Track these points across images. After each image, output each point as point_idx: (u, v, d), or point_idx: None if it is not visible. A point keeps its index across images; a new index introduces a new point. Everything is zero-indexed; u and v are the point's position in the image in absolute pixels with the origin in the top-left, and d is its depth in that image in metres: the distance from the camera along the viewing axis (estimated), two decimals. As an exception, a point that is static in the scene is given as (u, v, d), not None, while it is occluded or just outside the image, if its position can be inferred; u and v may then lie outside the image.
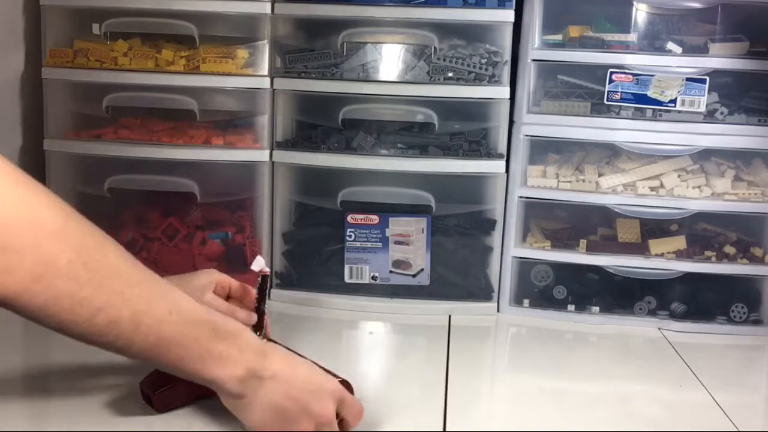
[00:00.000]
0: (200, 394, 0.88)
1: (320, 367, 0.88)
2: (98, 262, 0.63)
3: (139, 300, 0.65)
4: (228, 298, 0.97)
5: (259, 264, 0.92)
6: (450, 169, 1.28)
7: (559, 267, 1.31)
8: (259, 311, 0.93)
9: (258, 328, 0.93)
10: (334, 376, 0.86)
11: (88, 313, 0.63)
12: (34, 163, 1.33)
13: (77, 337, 0.65)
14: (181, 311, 0.69)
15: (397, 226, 1.30)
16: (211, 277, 0.95)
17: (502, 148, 1.29)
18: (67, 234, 0.62)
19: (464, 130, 1.29)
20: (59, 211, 0.63)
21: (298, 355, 0.85)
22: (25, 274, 0.60)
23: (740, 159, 1.29)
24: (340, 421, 0.79)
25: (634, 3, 1.25)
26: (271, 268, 1.33)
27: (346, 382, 0.86)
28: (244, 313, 0.94)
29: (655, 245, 1.28)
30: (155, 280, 0.69)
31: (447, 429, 0.87)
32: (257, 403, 0.73)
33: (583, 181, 1.28)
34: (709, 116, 1.25)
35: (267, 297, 0.94)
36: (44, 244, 0.60)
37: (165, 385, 0.86)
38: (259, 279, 0.92)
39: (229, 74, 1.28)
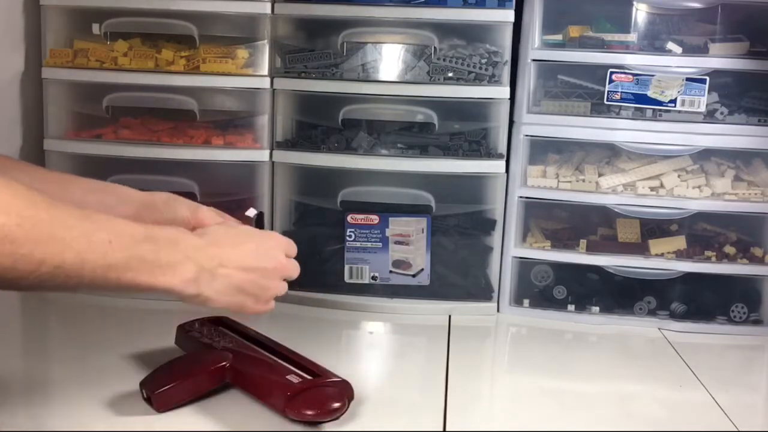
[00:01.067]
0: (200, 394, 0.88)
1: (319, 367, 0.88)
2: (30, 219, 0.65)
3: (78, 240, 0.68)
4: None
5: (252, 212, 0.97)
6: (450, 169, 1.28)
7: (559, 267, 1.31)
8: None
9: None
10: (334, 376, 0.86)
11: (31, 266, 0.65)
12: (34, 163, 1.32)
13: (27, 289, 0.68)
14: (120, 236, 0.72)
15: (397, 226, 1.30)
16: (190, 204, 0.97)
17: (502, 148, 1.29)
18: None
19: (464, 130, 1.29)
20: None
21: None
22: None
23: (740, 159, 1.29)
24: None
25: (634, 3, 1.25)
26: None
27: (346, 382, 0.87)
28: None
29: (655, 245, 1.28)
30: (89, 214, 0.71)
31: (447, 429, 0.87)
32: (218, 292, 0.79)
33: (583, 181, 1.28)
34: (709, 116, 1.25)
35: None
36: None
37: (165, 385, 0.86)
38: (255, 218, 0.96)
39: (229, 74, 1.28)
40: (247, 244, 0.83)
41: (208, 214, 0.94)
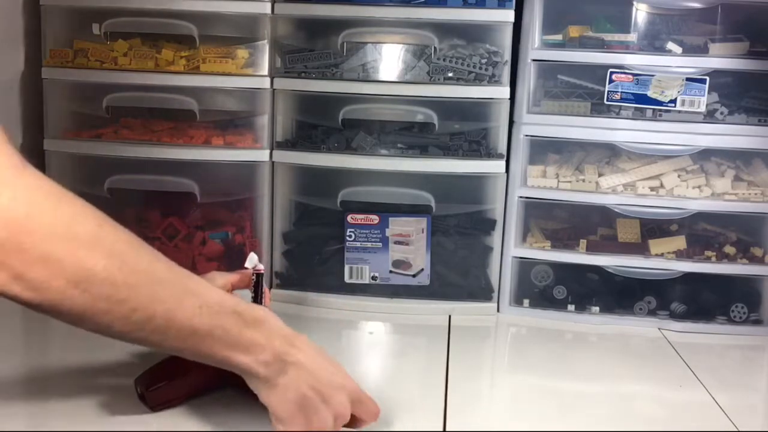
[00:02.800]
0: (195, 393, 0.88)
1: None
2: (131, 265, 0.67)
3: (170, 298, 0.69)
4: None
5: (252, 261, 0.92)
6: (450, 169, 1.28)
7: (559, 267, 1.31)
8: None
9: None
10: None
11: (123, 313, 0.67)
12: (34, 163, 1.31)
13: (114, 336, 0.69)
14: (210, 304, 0.72)
15: (397, 226, 1.30)
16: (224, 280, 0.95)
17: (502, 148, 1.29)
18: (101, 240, 0.67)
19: (464, 130, 1.29)
20: (92, 218, 0.68)
21: None
22: (64, 282, 0.64)
23: (740, 159, 1.29)
24: (353, 419, 0.80)
25: (634, 3, 1.25)
26: (271, 268, 1.33)
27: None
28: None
29: (655, 245, 1.28)
30: (185, 275, 0.73)
31: (447, 429, 0.87)
32: (280, 386, 0.76)
33: (583, 181, 1.28)
34: (709, 116, 1.25)
35: (262, 296, 0.93)
36: (80, 252, 0.65)
37: (159, 383, 0.85)
38: (254, 277, 0.92)
39: (229, 74, 1.28)
40: (329, 368, 0.78)
41: None
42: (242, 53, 1.29)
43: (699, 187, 1.26)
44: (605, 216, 1.30)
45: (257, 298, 0.93)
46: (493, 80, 1.27)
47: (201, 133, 1.30)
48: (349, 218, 1.29)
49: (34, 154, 1.33)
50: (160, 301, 0.69)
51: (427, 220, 1.30)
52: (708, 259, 1.27)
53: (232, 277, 0.96)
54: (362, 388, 0.81)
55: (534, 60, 1.27)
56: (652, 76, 1.24)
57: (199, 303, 0.71)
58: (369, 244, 1.30)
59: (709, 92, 1.24)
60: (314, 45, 1.29)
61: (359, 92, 1.27)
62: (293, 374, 0.76)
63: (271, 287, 1.31)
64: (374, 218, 1.29)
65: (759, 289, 1.28)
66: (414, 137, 1.30)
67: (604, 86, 1.25)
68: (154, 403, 0.85)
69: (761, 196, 1.26)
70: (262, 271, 0.92)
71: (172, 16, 1.27)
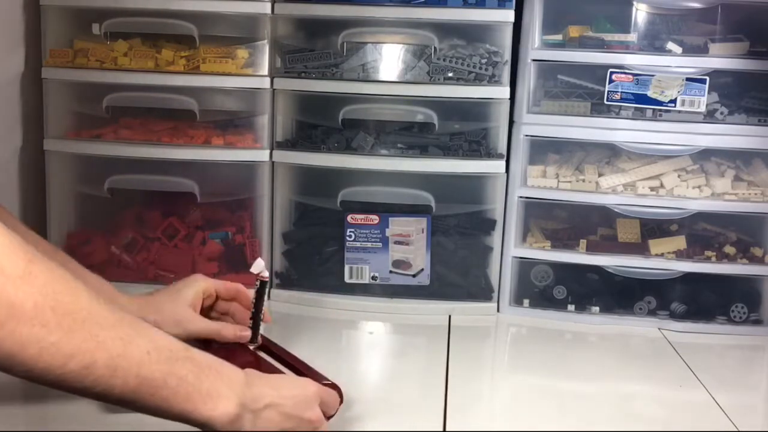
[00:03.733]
0: None
1: (311, 370, 0.87)
2: (67, 306, 0.60)
3: (114, 342, 0.62)
4: (217, 299, 0.96)
5: (258, 267, 0.90)
6: (450, 169, 1.28)
7: (559, 267, 1.31)
8: (255, 319, 0.91)
9: (253, 337, 0.92)
10: (324, 379, 0.85)
11: (58, 359, 0.59)
12: (34, 163, 1.33)
13: (51, 385, 0.61)
14: (160, 350, 0.65)
15: (397, 226, 1.30)
16: (197, 289, 0.93)
17: (502, 148, 1.29)
18: (32, 278, 0.58)
19: (464, 130, 1.29)
20: (22, 254, 0.59)
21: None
22: None
23: (740, 159, 1.29)
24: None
25: (634, 3, 1.25)
26: (271, 268, 1.33)
27: (335, 385, 0.85)
28: (231, 328, 0.92)
29: (655, 245, 1.28)
30: (130, 319, 0.65)
31: (447, 429, 0.87)
32: (259, 428, 0.71)
33: (583, 181, 1.28)
34: (709, 116, 1.25)
35: (263, 303, 0.92)
36: (7, 289, 0.57)
37: None
38: (258, 283, 0.91)
39: (229, 74, 1.28)
40: (289, 390, 0.75)
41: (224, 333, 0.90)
42: (242, 53, 1.29)
43: (699, 187, 1.26)
44: (605, 216, 1.30)
45: (259, 307, 0.92)
46: (493, 80, 1.27)
47: (201, 133, 1.30)
48: (349, 218, 1.29)
49: (34, 154, 1.33)
50: (102, 347, 0.60)
51: (427, 220, 1.30)
52: (708, 259, 1.27)
53: (216, 284, 0.93)
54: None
55: (534, 60, 1.27)
56: (652, 76, 1.24)
57: (147, 348, 0.64)
58: (369, 244, 1.30)
59: (709, 92, 1.24)
60: (314, 45, 1.29)
61: (359, 92, 1.27)
62: (266, 417, 0.71)
63: (271, 287, 1.31)
64: (374, 218, 1.29)
65: (759, 289, 1.28)
66: (414, 137, 1.30)
67: (604, 86, 1.25)
68: None
69: (761, 196, 1.26)
70: (266, 279, 0.91)
71: (172, 16, 1.27)
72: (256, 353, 0.91)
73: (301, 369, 0.88)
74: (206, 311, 0.94)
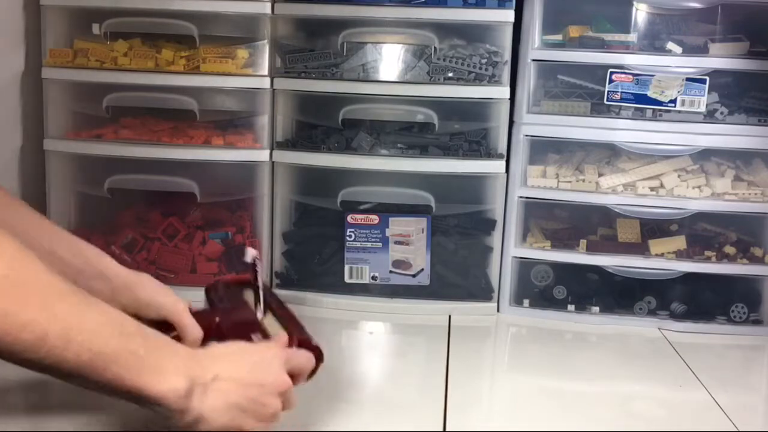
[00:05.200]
0: None
1: (296, 329, 0.84)
2: (22, 276, 0.60)
3: (68, 316, 0.61)
4: None
5: (251, 254, 0.92)
6: (450, 169, 1.28)
7: (559, 267, 1.31)
8: (257, 294, 0.91)
9: (258, 302, 0.91)
10: (306, 341, 0.83)
11: (13, 328, 0.59)
12: (34, 163, 1.33)
13: (4, 358, 0.61)
14: (112, 323, 0.65)
15: (397, 226, 1.30)
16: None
17: (502, 148, 1.29)
18: None
19: (464, 130, 1.29)
20: None
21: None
22: None
23: (740, 159, 1.29)
24: (293, 376, 0.77)
25: (634, 3, 1.25)
26: (271, 268, 1.33)
27: (314, 346, 0.83)
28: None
29: (655, 245, 1.28)
30: (84, 294, 0.65)
31: (447, 429, 0.87)
32: (213, 409, 0.69)
33: (583, 181, 1.28)
34: (709, 116, 1.25)
35: (262, 280, 0.93)
36: None
37: None
38: (253, 264, 0.92)
39: (229, 74, 1.28)
40: (245, 357, 0.74)
41: (190, 320, 0.87)
42: (242, 53, 1.29)
43: (699, 187, 1.26)
44: (605, 216, 1.30)
45: (257, 283, 0.91)
46: (493, 80, 1.27)
47: (201, 133, 1.30)
48: (349, 218, 1.29)
49: (34, 154, 1.33)
50: (55, 319, 0.60)
51: (427, 220, 1.30)
52: (708, 259, 1.27)
53: (182, 315, 0.89)
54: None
55: (534, 60, 1.27)
56: (652, 76, 1.24)
57: (100, 321, 0.64)
58: (369, 244, 1.30)
59: (709, 92, 1.24)
60: (314, 45, 1.29)
61: (359, 92, 1.27)
62: (217, 389, 0.70)
63: (271, 287, 1.31)
64: (374, 218, 1.29)
65: (759, 289, 1.28)
66: (414, 137, 1.30)
67: (604, 86, 1.25)
68: None
69: (761, 196, 1.26)
70: (260, 259, 0.91)
71: (172, 16, 1.27)
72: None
73: (289, 326, 0.86)
74: None
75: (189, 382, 0.67)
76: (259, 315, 0.91)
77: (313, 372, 0.81)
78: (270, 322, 0.89)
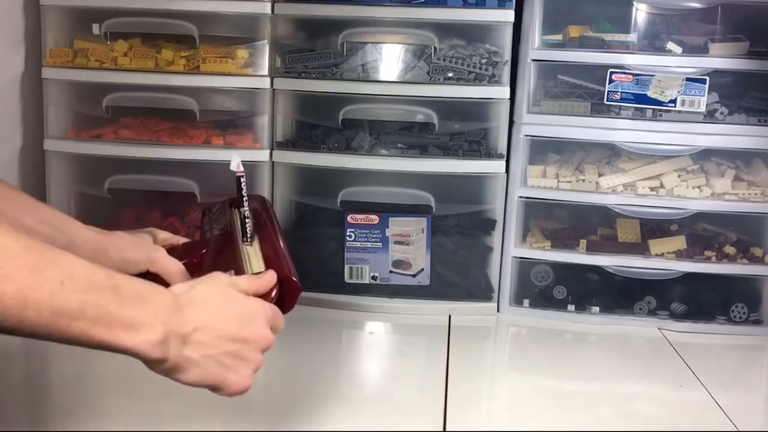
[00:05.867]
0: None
1: (278, 258, 0.82)
2: None
3: (22, 273, 0.59)
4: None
5: (235, 163, 0.86)
6: (450, 169, 1.28)
7: (559, 267, 1.31)
8: (242, 216, 0.87)
9: (243, 233, 0.86)
10: (288, 277, 0.80)
11: None
12: (34, 163, 1.33)
13: None
14: (75, 279, 0.61)
15: (397, 226, 1.30)
16: (158, 236, 0.91)
17: (502, 148, 1.29)
18: None
19: (464, 130, 1.29)
20: None
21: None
22: None
23: (740, 159, 1.29)
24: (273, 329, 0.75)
25: (634, 3, 1.25)
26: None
27: (297, 285, 0.79)
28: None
29: (655, 245, 1.28)
30: (39, 249, 0.61)
31: (447, 429, 0.87)
32: (191, 361, 0.67)
33: (583, 181, 1.28)
34: (709, 116, 1.25)
35: (245, 200, 0.87)
36: None
37: None
38: (237, 183, 0.86)
39: (229, 74, 1.28)
40: (229, 309, 0.72)
41: (169, 263, 0.85)
42: (242, 53, 1.29)
43: (699, 187, 1.26)
44: (605, 216, 1.30)
45: (241, 205, 0.86)
46: (493, 80, 1.27)
47: (201, 133, 1.30)
48: (349, 218, 1.29)
49: (34, 154, 1.33)
50: (7, 278, 0.58)
51: (427, 220, 1.30)
52: (708, 259, 1.27)
53: (163, 260, 0.87)
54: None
55: (534, 60, 1.27)
56: (652, 76, 1.24)
57: (60, 278, 0.60)
58: (369, 244, 1.30)
59: (709, 92, 1.24)
60: (314, 45, 1.29)
61: (359, 92, 1.27)
62: (196, 341, 0.67)
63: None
64: (374, 218, 1.29)
65: (759, 289, 1.28)
66: (414, 137, 1.30)
67: (604, 86, 1.25)
68: None
69: (761, 196, 1.26)
70: (242, 173, 0.86)
71: (172, 16, 1.27)
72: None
73: (268, 258, 0.83)
74: None
75: (165, 333, 0.65)
76: (242, 247, 0.86)
77: (291, 306, 0.78)
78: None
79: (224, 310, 0.71)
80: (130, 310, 0.64)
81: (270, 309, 0.74)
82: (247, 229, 0.86)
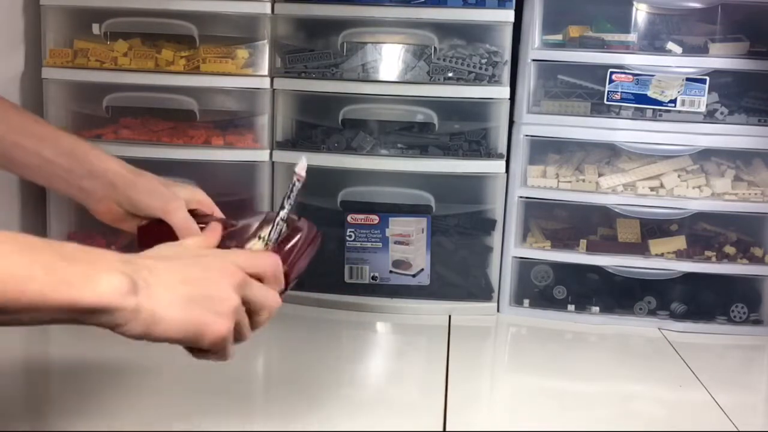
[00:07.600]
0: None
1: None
2: None
3: None
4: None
5: (301, 165, 0.82)
6: (450, 169, 1.28)
7: (559, 267, 1.31)
8: (275, 219, 0.81)
9: (268, 234, 0.81)
10: (296, 221, 0.78)
11: None
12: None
13: None
14: (11, 241, 0.56)
15: (397, 226, 1.30)
16: (194, 196, 0.87)
17: (502, 148, 1.29)
18: None
19: (464, 130, 1.29)
20: None
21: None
22: None
23: (740, 159, 1.29)
24: (262, 279, 0.69)
25: (634, 3, 1.25)
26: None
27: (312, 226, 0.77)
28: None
29: (655, 245, 1.28)
30: None
31: (447, 429, 0.87)
32: (164, 303, 0.60)
33: (583, 181, 1.28)
34: (709, 116, 1.25)
35: (290, 204, 0.82)
36: None
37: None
38: (291, 185, 0.82)
39: (229, 74, 1.28)
40: (185, 252, 0.68)
41: (183, 218, 0.81)
42: (242, 53, 1.29)
43: (699, 187, 1.26)
44: (605, 216, 1.30)
45: (282, 207, 0.80)
46: (493, 80, 1.27)
47: (201, 133, 1.30)
48: (349, 218, 1.29)
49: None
50: None
51: (427, 220, 1.30)
52: (708, 259, 1.27)
53: (205, 200, 0.85)
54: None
55: (534, 60, 1.27)
56: (652, 76, 1.24)
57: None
58: (369, 244, 1.30)
59: (709, 92, 1.24)
60: (314, 45, 1.29)
61: (359, 92, 1.27)
62: (163, 286, 0.61)
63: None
64: (374, 218, 1.29)
65: (759, 289, 1.28)
66: (414, 137, 1.30)
67: (604, 86, 1.25)
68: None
69: (761, 196, 1.26)
70: (301, 178, 0.82)
71: (172, 16, 1.27)
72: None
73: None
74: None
75: (126, 278, 0.58)
76: (254, 240, 0.82)
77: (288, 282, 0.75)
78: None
79: (181, 256, 0.67)
80: (82, 265, 0.58)
81: (234, 252, 0.69)
82: (272, 233, 0.80)
